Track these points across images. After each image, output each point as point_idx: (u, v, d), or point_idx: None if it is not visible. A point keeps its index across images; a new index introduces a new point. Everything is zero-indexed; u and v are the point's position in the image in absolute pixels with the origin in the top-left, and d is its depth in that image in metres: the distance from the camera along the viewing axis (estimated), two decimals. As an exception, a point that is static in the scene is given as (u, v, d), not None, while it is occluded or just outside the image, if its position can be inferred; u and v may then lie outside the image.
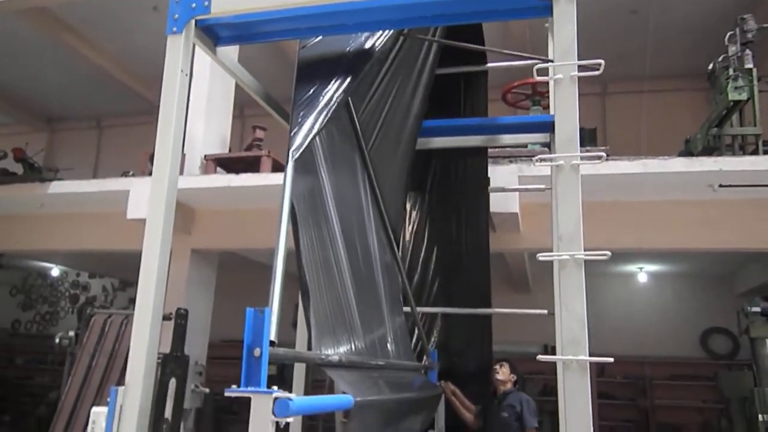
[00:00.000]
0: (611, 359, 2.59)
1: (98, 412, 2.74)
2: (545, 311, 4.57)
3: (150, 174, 6.37)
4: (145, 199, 5.95)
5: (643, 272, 9.72)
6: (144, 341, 2.79)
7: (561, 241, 2.47)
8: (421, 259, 5.00)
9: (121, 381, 2.79)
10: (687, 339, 9.65)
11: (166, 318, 4.03)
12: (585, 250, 2.51)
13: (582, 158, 2.46)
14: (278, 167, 6.14)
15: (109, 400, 2.72)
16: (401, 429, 3.46)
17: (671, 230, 5.87)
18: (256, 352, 1.91)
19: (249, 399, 1.84)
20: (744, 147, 5.74)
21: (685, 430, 8.91)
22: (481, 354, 5.03)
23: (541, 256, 2.52)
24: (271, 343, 1.95)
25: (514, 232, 5.68)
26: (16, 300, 13.79)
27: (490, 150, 5.08)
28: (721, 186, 5.55)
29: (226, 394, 1.91)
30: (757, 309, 7.10)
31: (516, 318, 7.89)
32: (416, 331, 4.61)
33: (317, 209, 2.85)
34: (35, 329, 13.45)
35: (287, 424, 1.92)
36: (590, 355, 2.43)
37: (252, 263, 8.30)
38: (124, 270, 10.64)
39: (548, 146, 4.18)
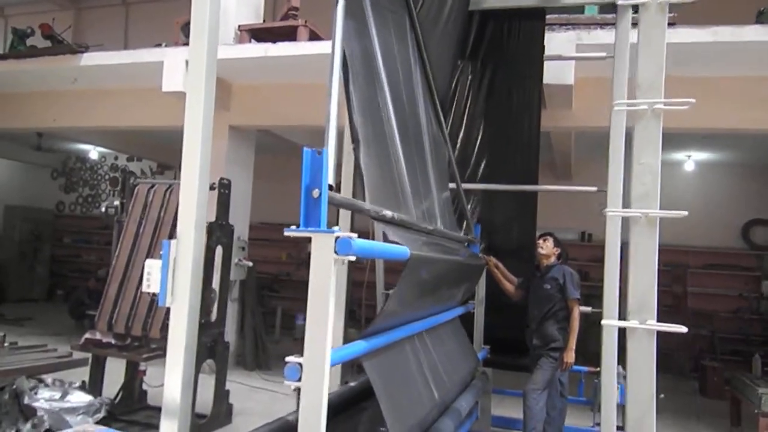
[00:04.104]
0: (685, 212, 2.47)
1: (152, 264, 2.76)
2: (594, 188, 4.40)
3: (183, 44, 6.16)
4: (181, 69, 5.78)
5: (690, 160, 9.34)
6: (192, 199, 2.77)
7: (639, 89, 2.25)
8: (468, 133, 4.80)
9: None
10: (728, 230, 9.47)
11: (209, 188, 3.99)
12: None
13: (672, -6, 2.18)
14: (315, 37, 5.83)
15: (162, 253, 2.73)
16: (444, 297, 3.47)
17: (733, 109, 5.49)
18: (315, 193, 1.82)
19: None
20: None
21: (716, 316, 8.98)
22: (525, 231, 4.95)
23: (617, 104, 2.31)
24: (330, 187, 1.86)
25: (565, 108, 5.39)
26: (57, 183, 14.17)
27: (546, 17, 4.68)
28: (796, 59, 5.11)
29: (286, 233, 1.84)
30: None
31: (555, 205, 7.78)
32: (461, 207, 4.52)
33: (367, 69, 2.64)
34: (79, 211, 13.93)
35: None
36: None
37: (289, 146, 8.20)
38: (161, 151, 10.67)
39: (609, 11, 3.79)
